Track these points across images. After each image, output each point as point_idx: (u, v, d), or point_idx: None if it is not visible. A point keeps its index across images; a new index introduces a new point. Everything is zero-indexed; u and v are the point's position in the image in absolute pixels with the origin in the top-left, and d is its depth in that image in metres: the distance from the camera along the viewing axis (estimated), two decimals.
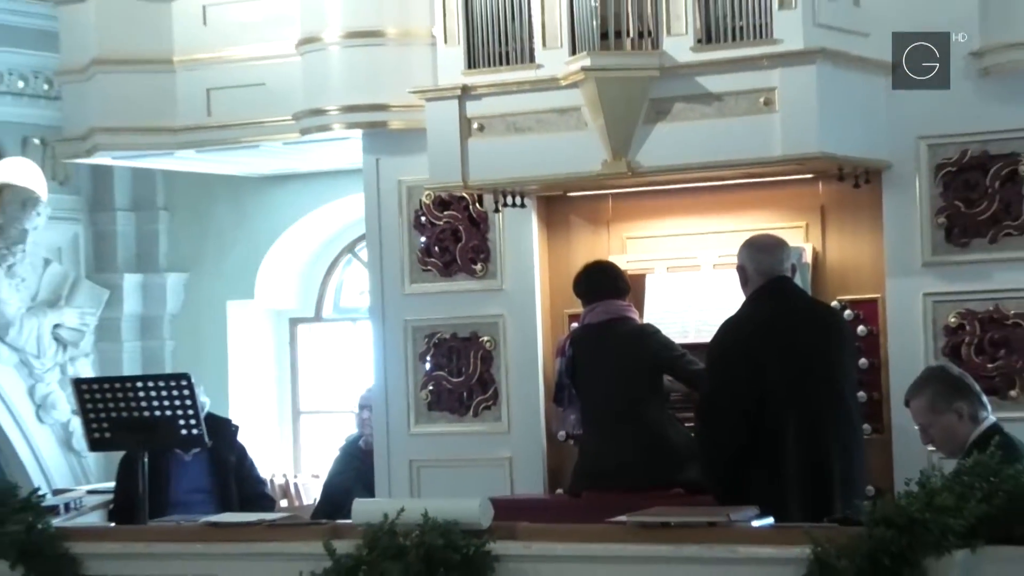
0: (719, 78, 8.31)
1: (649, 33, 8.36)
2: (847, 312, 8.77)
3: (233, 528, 7.30)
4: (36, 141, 12.18)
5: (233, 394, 12.51)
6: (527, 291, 9.58)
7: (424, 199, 9.78)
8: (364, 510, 6.87)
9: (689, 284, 9.19)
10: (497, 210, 9.38)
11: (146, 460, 9.43)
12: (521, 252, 9.58)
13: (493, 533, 6.54)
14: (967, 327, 8.64)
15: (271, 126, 10.23)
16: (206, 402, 10.23)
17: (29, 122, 12.09)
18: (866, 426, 8.36)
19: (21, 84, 11.97)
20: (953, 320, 8.67)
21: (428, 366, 9.82)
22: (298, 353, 13.17)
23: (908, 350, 8.67)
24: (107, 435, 9.56)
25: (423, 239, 9.83)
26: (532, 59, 8.70)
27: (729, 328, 8.24)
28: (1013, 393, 8.51)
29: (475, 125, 8.84)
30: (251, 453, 10.64)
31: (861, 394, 8.45)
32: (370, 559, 6.55)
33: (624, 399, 8.64)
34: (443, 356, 9.79)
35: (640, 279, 9.17)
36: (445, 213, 9.79)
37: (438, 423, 9.79)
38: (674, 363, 8.68)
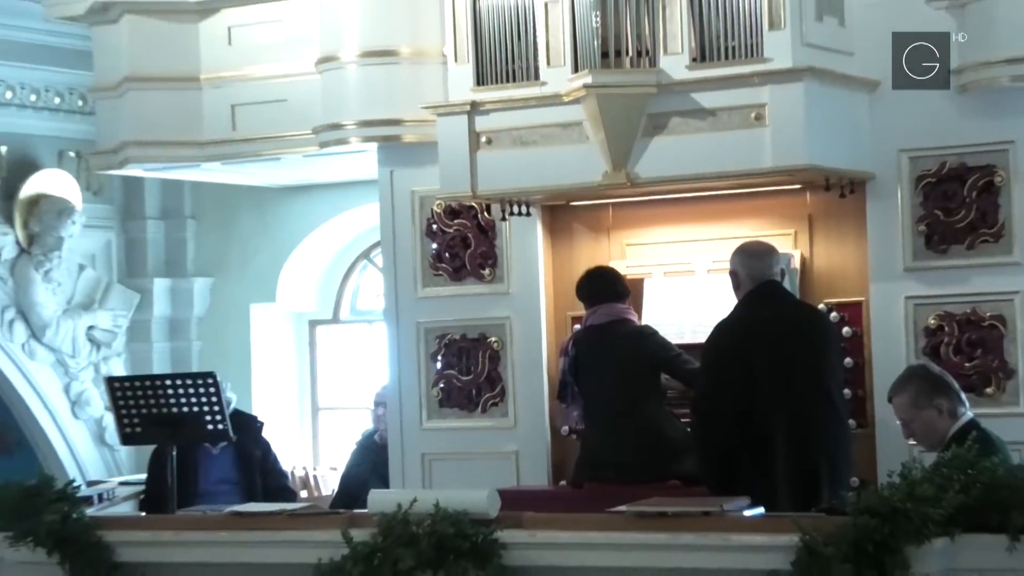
0: (713, 94, 8.30)
1: (647, 52, 8.35)
2: (833, 314, 8.76)
3: (256, 517, 7.31)
4: (71, 154, 12.19)
5: (256, 391, 12.51)
6: (532, 294, 9.57)
7: (435, 208, 9.78)
8: (379, 500, 6.87)
9: (685, 288, 9.19)
10: (504, 218, 9.38)
11: (174, 454, 9.44)
12: (527, 258, 9.58)
13: (500, 522, 6.55)
14: (946, 328, 8.63)
15: (292, 140, 10.23)
16: (232, 398, 10.24)
17: (65, 136, 12.10)
18: (851, 421, 8.34)
19: (57, 100, 11.98)
20: (933, 322, 8.66)
21: (439, 365, 9.81)
22: (317, 353, 13.17)
23: (891, 350, 8.67)
24: (138, 430, 9.57)
25: (434, 246, 9.82)
26: (537, 77, 8.69)
27: (722, 329, 8.24)
28: (989, 390, 8.49)
29: (483, 139, 8.84)
30: (275, 449, 10.64)
31: (847, 391, 8.44)
32: (385, 546, 6.55)
33: (624, 396, 8.64)
34: (453, 356, 9.78)
35: (639, 283, 9.17)
36: (455, 221, 9.78)
37: (448, 419, 9.78)
38: (671, 362, 8.68)
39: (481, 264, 9.71)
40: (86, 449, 12.36)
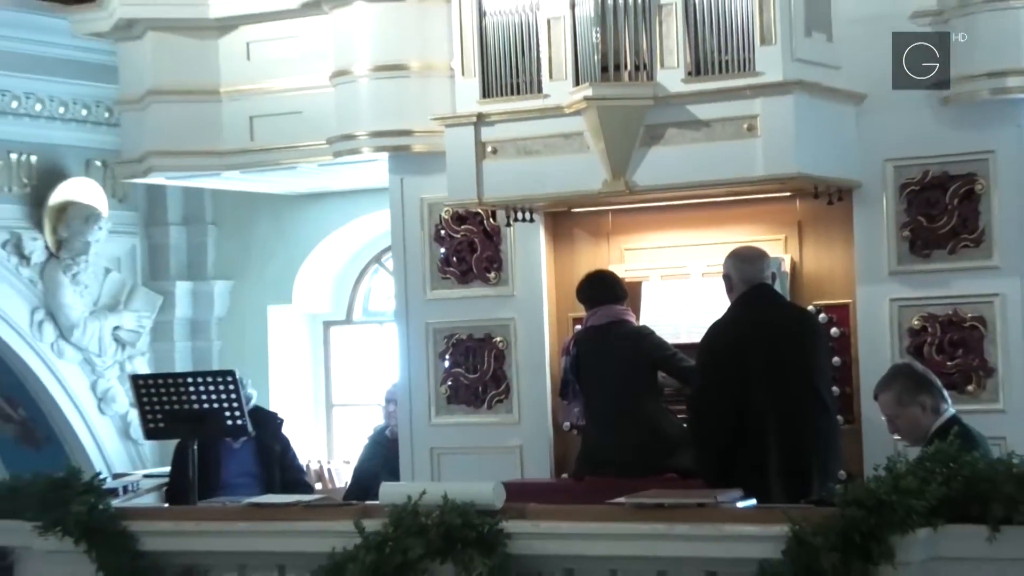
0: (707, 106, 8.30)
1: (645, 66, 8.35)
2: (822, 315, 8.75)
3: (273, 508, 7.31)
4: (98, 163, 12.19)
5: (273, 389, 12.51)
6: (535, 297, 9.57)
7: (443, 214, 9.78)
8: (390, 492, 6.87)
9: (680, 291, 9.19)
10: (509, 224, 9.38)
11: (195, 448, 9.45)
12: (530, 262, 9.58)
13: (505, 513, 6.55)
14: (929, 329, 8.63)
15: (307, 149, 10.23)
16: (253, 394, 10.25)
17: (91, 146, 12.11)
18: (839, 417, 8.33)
19: (84, 112, 11.99)
20: (916, 323, 8.66)
21: (447, 364, 9.81)
22: (331, 352, 13.16)
23: (876, 350, 8.67)
24: (161, 425, 9.58)
25: (442, 250, 9.82)
26: (540, 89, 8.70)
27: (716, 330, 8.24)
28: (970, 388, 8.49)
29: (489, 148, 8.84)
30: (293, 445, 10.64)
31: (835, 389, 8.44)
32: (395, 536, 6.56)
33: (623, 394, 8.63)
34: (460, 355, 9.78)
35: (637, 286, 9.17)
36: (462, 227, 9.78)
37: (456, 415, 9.78)
38: (667, 361, 8.68)
39: (487, 268, 9.71)
40: (112, 443, 12.36)
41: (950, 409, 7.48)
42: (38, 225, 11.83)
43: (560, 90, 8.59)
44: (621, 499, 6.59)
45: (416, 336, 9.88)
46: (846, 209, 8.81)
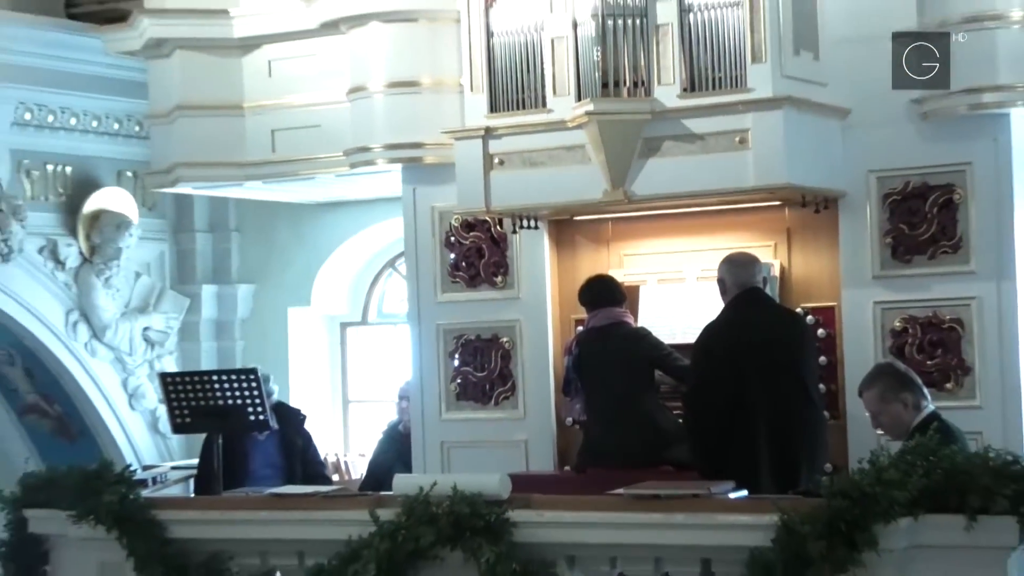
0: (701, 120, 8.30)
1: (642, 83, 8.35)
2: (809, 317, 8.75)
3: (294, 498, 7.31)
4: (129, 174, 12.19)
5: (293, 386, 12.50)
6: (540, 299, 9.57)
7: (453, 222, 9.78)
8: (403, 484, 6.87)
9: (676, 294, 9.18)
10: (515, 231, 9.39)
11: (220, 441, 9.45)
12: (535, 267, 9.58)
13: (511, 503, 6.55)
14: (910, 330, 8.62)
15: (325, 161, 10.24)
16: (274, 389, 10.26)
17: (123, 158, 12.11)
18: (826, 413, 8.33)
19: (116, 126, 11.99)
20: (898, 324, 8.66)
21: (456, 363, 9.81)
22: (347, 352, 13.15)
23: (861, 350, 8.66)
24: (188, 420, 9.58)
25: (452, 256, 9.82)
26: (544, 104, 8.69)
27: (710, 331, 8.24)
28: (949, 386, 8.49)
29: (496, 160, 8.84)
30: (315, 440, 10.64)
31: (822, 386, 8.44)
32: (408, 525, 6.56)
33: (622, 391, 8.62)
34: (469, 354, 9.78)
35: (635, 290, 9.16)
36: (471, 234, 9.78)
37: (465, 411, 9.78)
38: (664, 360, 8.67)
39: (494, 272, 9.71)
40: (141, 437, 12.36)
41: (930, 406, 7.47)
42: (72, 232, 11.83)
43: (563, 105, 8.59)
44: (620, 490, 6.58)
45: (427, 337, 9.88)
46: (832, 217, 8.80)
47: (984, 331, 8.47)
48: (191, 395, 9.47)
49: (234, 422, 9.48)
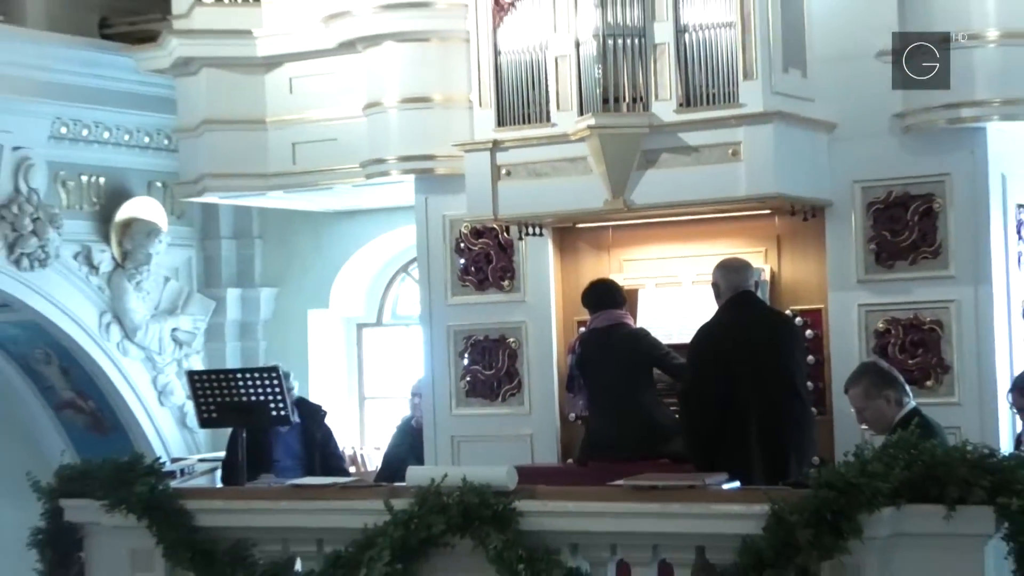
0: (696, 134, 8.29)
1: (641, 98, 8.35)
2: (798, 319, 8.73)
3: (312, 489, 7.30)
4: (158, 184, 12.21)
5: (312, 383, 12.50)
6: (544, 302, 9.56)
7: (463, 229, 9.78)
8: (416, 475, 6.87)
9: (673, 297, 9.17)
10: (521, 238, 9.38)
11: (244, 435, 9.46)
12: (539, 271, 9.57)
13: (517, 494, 6.54)
14: (892, 331, 8.62)
15: (343, 172, 10.24)
16: (295, 385, 10.26)
17: (153, 169, 12.12)
18: (813, 409, 8.32)
19: (147, 139, 12.00)
20: (881, 326, 8.65)
21: (466, 361, 9.81)
22: (363, 351, 13.15)
23: (846, 349, 8.65)
24: (214, 415, 9.58)
25: (462, 261, 9.82)
26: (548, 119, 8.69)
27: (705, 332, 8.23)
28: (929, 383, 8.48)
29: (503, 171, 8.83)
30: (335, 435, 10.63)
31: (809, 384, 8.42)
32: (420, 514, 6.55)
33: (622, 388, 8.61)
34: (478, 354, 9.78)
35: (634, 293, 9.16)
36: (479, 240, 9.78)
37: (474, 407, 9.78)
38: (662, 360, 8.66)
39: (501, 276, 9.71)
40: (170, 431, 12.37)
41: (911, 402, 7.46)
42: (106, 239, 11.85)
43: (566, 119, 8.59)
44: (620, 481, 6.58)
45: (439, 337, 9.88)
46: (819, 225, 8.79)
47: (962, 332, 8.46)
48: (217, 392, 9.48)
49: (257, 417, 9.49)
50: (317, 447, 10.21)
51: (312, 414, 10.29)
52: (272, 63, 10.40)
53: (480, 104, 8.91)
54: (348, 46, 9.87)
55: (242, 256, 12.97)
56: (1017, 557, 5.72)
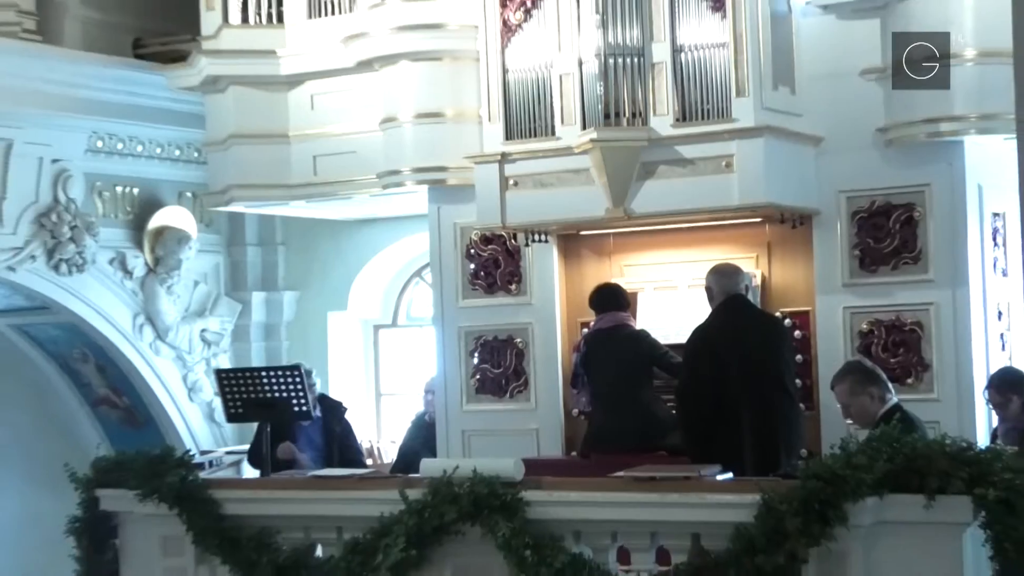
0: (692, 147, 8.30)
1: (640, 114, 8.35)
2: (787, 320, 8.74)
3: (332, 479, 7.31)
4: (188, 194, 12.20)
5: (332, 381, 12.49)
6: (549, 305, 9.56)
7: (473, 236, 9.78)
8: (429, 467, 6.87)
9: (670, 300, 9.17)
10: (527, 244, 9.39)
11: (269, 429, 9.45)
12: (545, 276, 9.57)
13: (524, 484, 6.54)
14: (875, 332, 8.62)
15: (360, 183, 10.24)
16: (317, 382, 10.26)
17: (183, 180, 12.11)
18: (801, 405, 8.31)
19: (177, 152, 11.99)
20: (865, 327, 8.64)
21: (476, 360, 9.81)
22: (380, 351, 13.14)
23: (832, 349, 8.65)
24: (240, 411, 9.58)
25: (472, 266, 9.83)
26: (553, 133, 8.70)
27: (699, 333, 8.23)
28: (910, 381, 8.49)
29: (511, 182, 8.84)
30: (355, 430, 10.62)
31: (798, 381, 8.41)
32: (433, 503, 6.55)
33: (623, 385, 8.61)
34: (487, 353, 9.78)
35: (634, 296, 9.15)
36: (489, 247, 9.78)
37: (483, 403, 9.78)
38: (661, 359, 8.67)
39: (509, 281, 9.71)
40: (199, 426, 12.36)
41: (894, 398, 7.46)
42: (139, 245, 11.84)
43: (570, 133, 8.59)
44: (621, 473, 6.57)
45: (450, 337, 9.88)
46: (807, 232, 8.79)
47: (941, 333, 8.45)
48: (243, 388, 9.48)
49: (280, 412, 9.48)
50: (337, 440, 10.21)
51: (333, 410, 10.28)
52: (295, 81, 10.41)
53: (489, 119, 8.92)
54: (366, 65, 9.87)
55: (266, 261, 12.96)
56: (994, 544, 5.72)
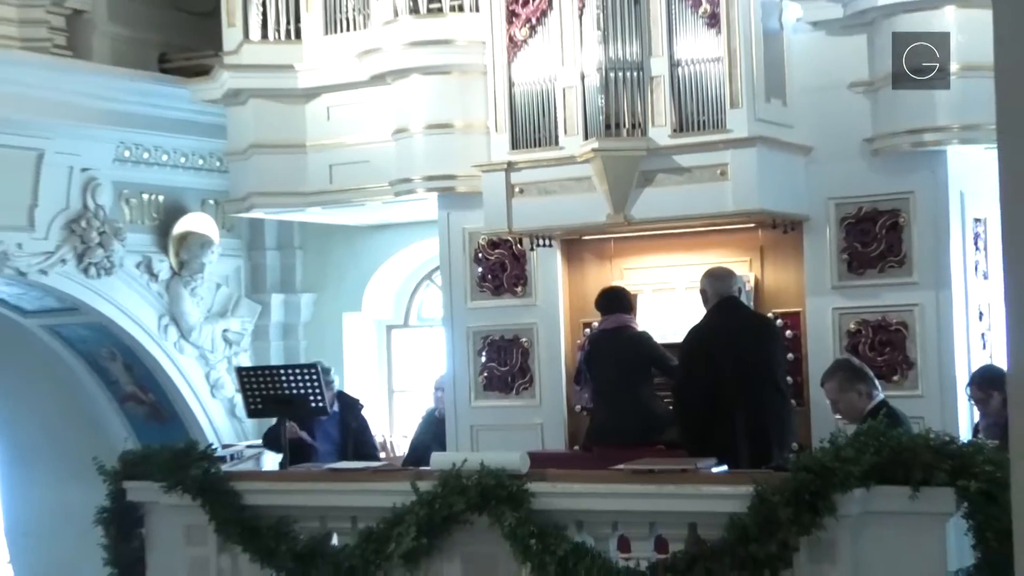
0: (688, 156, 8.29)
1: (639, 125, 8.35)
2: (779, 321, 8.73)
3: (347, 472, 7.32)
4: (211, 202, 12.21)
5: (347, 378, 12.50)
6: (553, 306, 9.56)
7: (481, 241, 9.78)
8: (439, 460, 6.87)
9: (667, 301, 9.17)
10: (532, 249, 9.38)
11: (287, 424, 9.46)
12: (549, 279, 9.57)
13: (530, 476, 6.55)
14: (863, 332, 8.60)
15: (374, 190, 10.24)
16: (335, 379, 10.28)
17: (206, 188, 12.13)
18: (792, 401, 8.31)
19: (200, 161, 12.01)
20: (853, 327, 8.63)
21: (483, 359, 9.81)
22: (392, 350, 13.15)
23: (822, 347, 8.64)
24: (259, 407, 9.60)
25: (480, 269, 9.82)
26: (557, 143, 8.70)
27: (694, 333, 8.23)
28: (896, 378, 8.46)
29: (517, 189, 8.84)
30: (371, 426, 10.62)
31: (789, 379, 8.41)
32: (443, 494, 6.56)
33: (624, 383, 8.61)
34: (494, 352, 9.77)
35: (633, 298, 9.14)
36: (495, 251, 9.78)
37: (491, 399, 9.78)
38: (660, 360, 8.66)
39: (515, 283, 9.71)
40: (221, 421, 12.37)
41: (880, 394, 7.46)
42: (164, 250, 11.86)
43: (573, 143, 8.59)
44: (621, 466, 6.58)
45: (459, 337, 9.88)
46: (797, 237, 8.79)
47: (925, 332, 8.44)
48: (262, 386, 9.48)
49: (297, 408, 9.50)
50: (353, 435, 10.22)
51: (350, 407, 10.30)
52: (311, 94, 10.41)
53: (496, 129, 8.92)
54: (379, 79, 9.87)
55: (285, 265, 12.97)
56: (976, 534, 5.71)
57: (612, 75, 8.31)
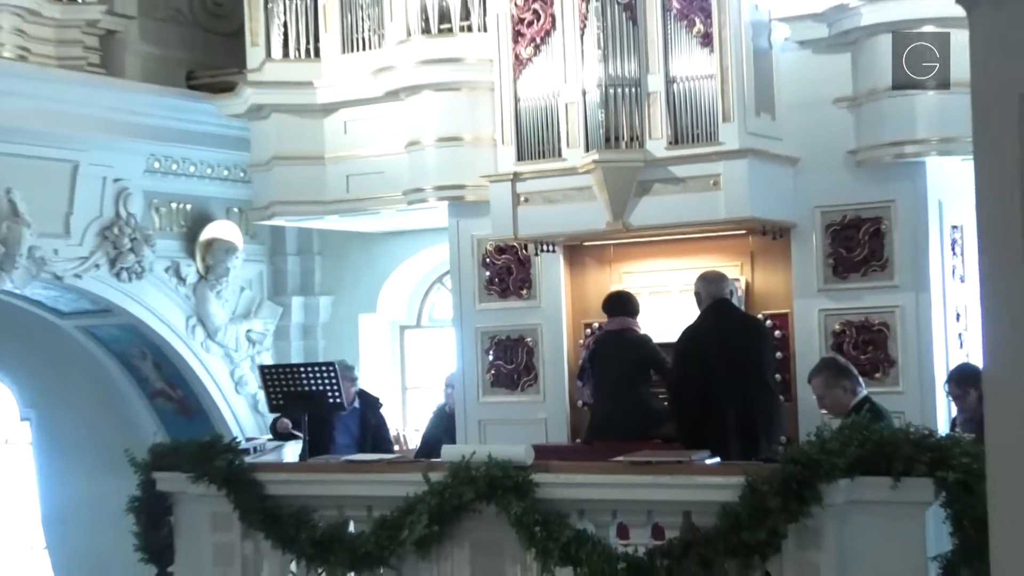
0: (683, 167, 8.29)
1: (637, 137, 8.35)
2: (768, 322, 8.73)
3: (364, 463, 7.32)
4: (235, 210, 12.22)
5: (363, 375, 12.48)
6: (556, 308, 9.56)
7: (488, 247, 9.78)
8: (449, 452, 6.87)
9: (663, 303, 9.16)
10: (537, 254, 9.38)
11: (307, 419, 9.46)
12: (552, 282, 9.57)
13: (534, 468, 6.54)
14: (847, 332, 8.60)
15: (388, 199, 10.24)
16: (358, 377, 10.29)
17: (231, 197, 12.13)
18: (781, 397, 8.30)
19: (226, 172, 12.01)
20: (838, 327, 8.63)
21: (491, 357, 9.81)
22: (405, 349, 13.15)
23: (808, 347, 8.63)
24: (281, 402, 9.60)
25: (487, 273, 9.83)
26: (560, 155, 8.70)
27: (688, 333, 8.21)
28: (878, 375, 8.46)
29: (522, 198, 8.84)
30: (388, 423, 10.61)
31: (778, 376, 8.40)
32: (453, 485, 6.56)
33: (624, 381, 8.60)
34: (501, 351, 9.77)
35: (639, 303, 9.13)
36: (502, 256, 9.78)
37: (498, 395, 9.77)
38: (659, 362, 8.65)
39: (520, 286, 9.71)
40: (245, 415, 12.37)
41: (863, 391, 7.45)
42: (191, 255, 11.86)
43: (575, 155, 8.60)
44: (620, 458, 6.57)
45: (468, 337, 9.88)
46: (786, 243, 8.78)
47: (905, 332, 8.44)
48: (283, 383, 9.49)
49: (316, 404, 9.49)
50: (371, 431, 10.22)
51: (371, 404, 10.31)
52: (330, 109, 10.42)
53: (503, 142, 8.93)
54: (393, 95, 9.88)
55: (304, 269, 12.97)
56: (953, 522, 5.70)
57: (612, 91, 8.31)
